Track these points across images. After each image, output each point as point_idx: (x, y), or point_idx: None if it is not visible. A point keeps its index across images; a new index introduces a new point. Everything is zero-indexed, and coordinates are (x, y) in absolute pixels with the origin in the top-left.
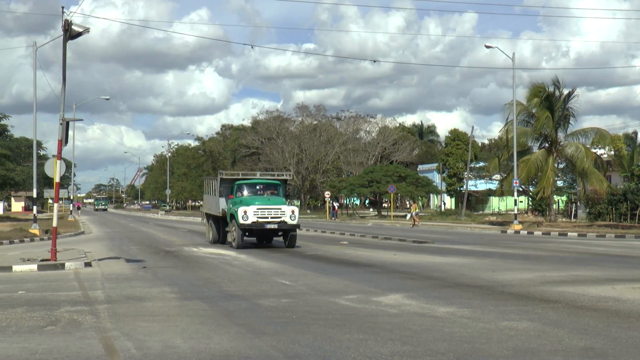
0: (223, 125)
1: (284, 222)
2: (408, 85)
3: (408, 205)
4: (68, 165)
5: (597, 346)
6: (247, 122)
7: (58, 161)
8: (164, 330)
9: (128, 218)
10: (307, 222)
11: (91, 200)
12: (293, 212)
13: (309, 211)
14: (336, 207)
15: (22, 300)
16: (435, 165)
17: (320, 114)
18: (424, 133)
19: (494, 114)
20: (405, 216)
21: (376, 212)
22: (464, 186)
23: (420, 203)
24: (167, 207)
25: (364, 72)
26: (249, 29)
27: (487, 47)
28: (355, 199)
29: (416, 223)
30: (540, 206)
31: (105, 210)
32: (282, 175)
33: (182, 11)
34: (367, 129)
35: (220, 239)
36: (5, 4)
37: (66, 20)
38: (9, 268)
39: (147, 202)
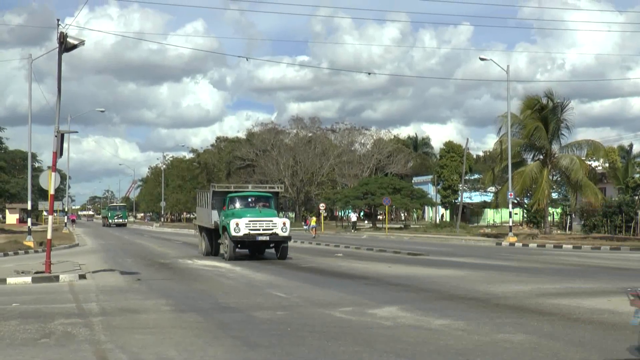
0: (218, 138)
1: (276, 234)
2: (402, 97)
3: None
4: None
5: (593, 359)
6: (241, 134)
7: (53, 173)
8: (159, 342)
9: (122, 230)
10: (302, 235)
11: (88, 212)
12: (284, 224)
13: (303, 223)
14: (353, 218)
15: (16, 313)
16: (430, 177)
17: (314, 126)
18: (418, 145)
19: (489, 125)
20: (399, 228)
21: (371, 224)
22: (459, 198)
23: (414, 215)
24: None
25: (358, 84)
26: (244, 41)
27: (482, 59)
28: (350, 211)
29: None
30: (535, 218)
31: (124, 225)
32: (274, 187)
33: (177, 23)
34: (362, 141)
35: (213, 251)
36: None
37: (61, 33)
38: (3, 280)
39: None
